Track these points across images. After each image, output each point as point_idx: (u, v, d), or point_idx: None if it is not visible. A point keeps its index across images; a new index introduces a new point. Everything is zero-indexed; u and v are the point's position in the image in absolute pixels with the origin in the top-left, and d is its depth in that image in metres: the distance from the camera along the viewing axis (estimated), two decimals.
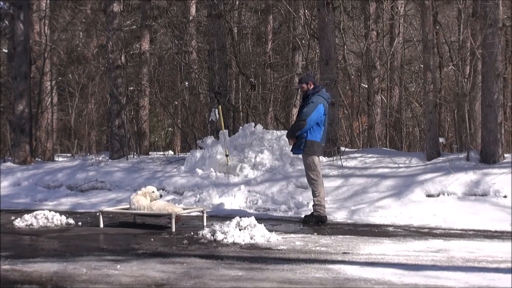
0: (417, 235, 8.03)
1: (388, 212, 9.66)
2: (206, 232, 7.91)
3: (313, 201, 9.49)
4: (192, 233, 8.25)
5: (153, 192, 9.60)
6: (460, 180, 10.14)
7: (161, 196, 9.77)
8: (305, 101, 9.59)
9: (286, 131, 13.71)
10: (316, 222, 9.30)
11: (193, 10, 19.70)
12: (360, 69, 17.77)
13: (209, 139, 13.97)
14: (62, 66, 23.52)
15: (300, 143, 9.50)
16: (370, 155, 12.88)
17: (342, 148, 13.91)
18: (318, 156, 9.57)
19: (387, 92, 17.35)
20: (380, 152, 13.20)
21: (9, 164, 17.22)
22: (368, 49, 16.75)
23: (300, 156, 10.44)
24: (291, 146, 9.76)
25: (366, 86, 18.91)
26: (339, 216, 9.85)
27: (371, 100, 17.31)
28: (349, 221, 9.51)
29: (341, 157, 12.62)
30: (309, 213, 9.73)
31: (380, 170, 11.56)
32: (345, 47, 17.20)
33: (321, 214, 9.39)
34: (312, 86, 9.68)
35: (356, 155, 13.04)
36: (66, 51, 23.83)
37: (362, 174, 11.55)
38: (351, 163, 12.39)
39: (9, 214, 11.21)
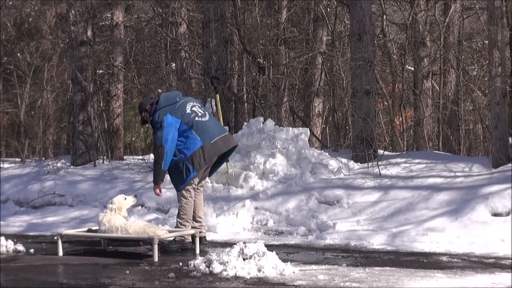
0: (479, 266, 8.01)
1: (441, 236, 9.65)
2: (199, 262, 7.91)
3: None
4: (180, 264, 8.25)
5: (125, 199, 9.67)
6: None
7: (135, 196, 9.83)
8: (153, 126, 9.79)
9: (306, 129, 13.73)
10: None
11: None
12: (404, 47, 17.75)
13: None
14: (8, 43, 23.58)
15: (183, 169, 9.56)
16: (417, 161, 12.86)
17: (380, 151, 13.90)
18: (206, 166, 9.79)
19: (439, 77, 17.30)
20: (430, 157, 13.18)
21: None
22: (414, 20, 16.72)
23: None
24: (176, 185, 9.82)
25: (412, 69, 18.88)
26: (376, 241, 9.85)
27: (418, 88, 17.28)
28: (389, 248, 9.50)
29: (379, 163, 12.61)
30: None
31: (430, 181, 11.54)
32: (385, 17, 17.17)
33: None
34: (151, 112, 9.80)
35: (398, 160, 13.02)
36: (14, 22, 23.90)
37: (407, 185, 11.54)
38: (392, 170, 12.37)
39: None
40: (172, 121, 9.49)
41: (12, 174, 15.91)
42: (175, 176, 9.65)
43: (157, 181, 9.68)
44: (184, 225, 9.69)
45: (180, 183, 9.64)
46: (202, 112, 9.78)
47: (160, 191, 9.78)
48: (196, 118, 9.61)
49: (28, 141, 21.30)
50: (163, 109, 9.57)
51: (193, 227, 9.79)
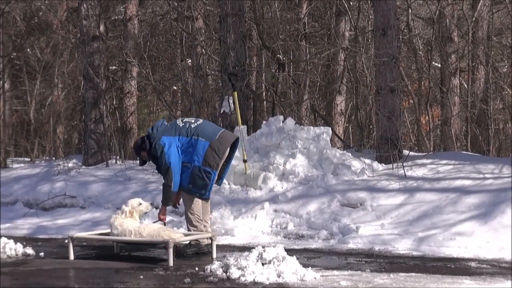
0: (510, 273, 7.96)
1: (470, 241, 9.60)
2: (216, 267, 7.90)
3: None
4: (197, 269, 8.25)
5: (139, 204, 9.65)
6: None
7: (152, 205, 9.84)
8: (154, 158, 9.87)
9: (328, 128, 13.70)
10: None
11: None
12: (431, 42, 17.70)
13: None
14: (18, 38, 23.67)
15: (203, 175, 9.61)
16: (444, 162, 12.81)
17: (406, 152, 13.86)
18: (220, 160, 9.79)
19: (468, 74, 17.23)
20: (458, 157, 13.13)
21: None
22: (441, 14, 16.66)
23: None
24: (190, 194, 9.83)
25: (439, 65, 18.81)
26: (401, 245, 9.81)
27: (445, 85, 17.22)
28: (414, 253, 9.47)
29: (404, 164, 12.57)
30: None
31: (458, 183, 11.49)
32: (410, 11, 17.13)
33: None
34: (147, 147, 9.87)
35: (425, 161, 12.98)
36: (24, 16, 23.99)
37: (434, 187, 11.49)
38: (418, 172, 12.33)
39: None
40: (170, 140, 9.64)
41: (21, 174, 15.96)
42: (197, 185, 9.65)
43: (167, 202, 9.84)
44: (196, 227, 9.76)
45: (205, 189, 9.71)
46: (194, 119, 10.04)
47: (165, 215, 9.86)
48: (192, 125, 9.76)
49: (38, 140, 21.37)
50: (156, 137, 9.69)
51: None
